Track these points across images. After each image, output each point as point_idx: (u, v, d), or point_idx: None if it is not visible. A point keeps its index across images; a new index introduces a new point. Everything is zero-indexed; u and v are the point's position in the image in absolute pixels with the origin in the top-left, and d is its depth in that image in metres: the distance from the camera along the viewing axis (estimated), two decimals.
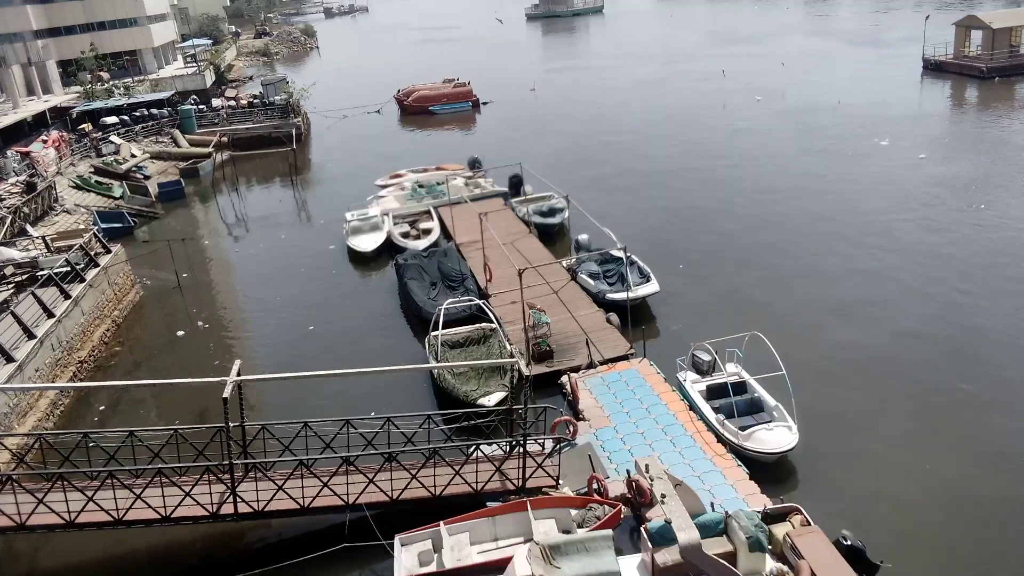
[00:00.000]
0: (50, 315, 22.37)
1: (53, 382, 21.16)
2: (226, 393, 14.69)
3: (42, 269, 24.92)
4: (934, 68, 55.68)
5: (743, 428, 16.00)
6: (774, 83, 57.75)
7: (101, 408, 21.26)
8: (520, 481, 15.19)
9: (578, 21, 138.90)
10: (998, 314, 21.68)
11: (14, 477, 15.02)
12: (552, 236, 30.56)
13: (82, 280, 24.98)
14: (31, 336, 21.01)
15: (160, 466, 14.88)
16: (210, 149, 49.21)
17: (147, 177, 43.96)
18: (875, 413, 17.73)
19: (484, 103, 61.67)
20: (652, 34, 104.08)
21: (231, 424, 14.92)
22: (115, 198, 39.76)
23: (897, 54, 64.77)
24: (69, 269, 25.03)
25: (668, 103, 55.67)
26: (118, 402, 21.40)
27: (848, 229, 28.70)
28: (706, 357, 18.34)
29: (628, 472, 14.84)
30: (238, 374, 15.34)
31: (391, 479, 14.83)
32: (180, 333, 25.45)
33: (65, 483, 14.72)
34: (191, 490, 14.36)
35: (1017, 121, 41.62)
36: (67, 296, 23.68)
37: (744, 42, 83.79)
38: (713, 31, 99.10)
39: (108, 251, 27.86)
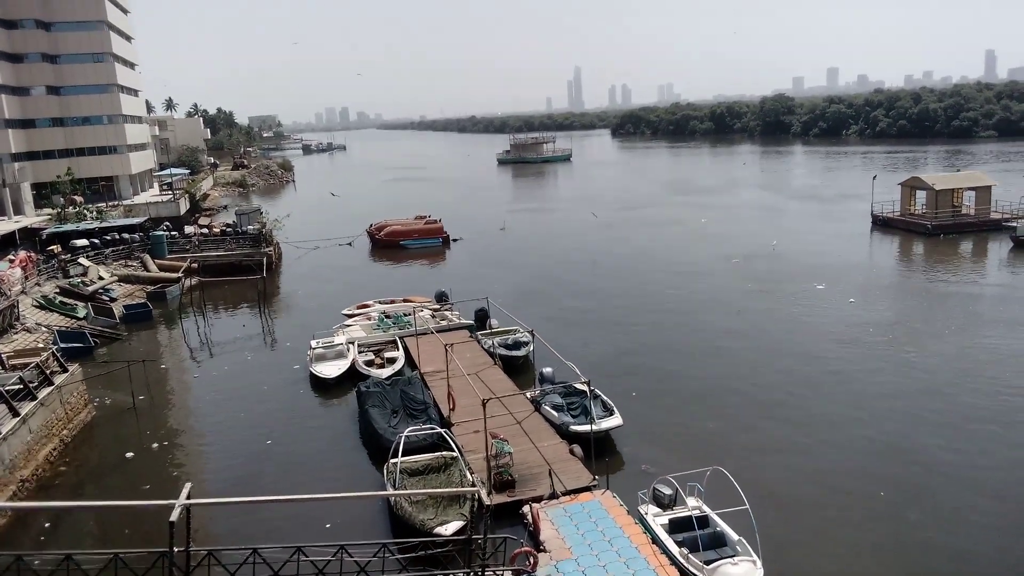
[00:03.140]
0: None
1: None
2: (173, 517, 14.11)
3: None
4: (883, 224, 58.77)
5: (707, 562, 15.71)
6: (733, 232, 60.45)
7: (44, 527, 20.18)
8: None
9: (547, 167, 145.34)
10: (926, 441, 22.57)
11: None
12: (517, 368, 30.71)
13: (33, 398, 24.32)
14: None
15: None
16: (179, 275, 49.39)
17: (113, 299, 43.80)
18: (835, 545, 17.67)
19: (454, 240, 63.26)
20: (615, 182, 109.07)
21: (176, 549, 14.28)
22: (78, 318, 39.38)
23: (846, 209, 68.55)
24: (21, 387, 24.41)
25: (626, 245, 57.90)
26: (58, 524, 20.36)
27: (786, 360, 30.23)
28: (667, 491, 18.21)
29: None
30: (188, 497, 14.84)
31: None
32: (129, 455, 24.61)
33: None
34: None
35: (952, 274, 43.79)
36: (15, 414, 22.95)
37: (700, 193, 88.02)
38: (672, 181, 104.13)
39: (65, 370, 27.30)
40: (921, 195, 57.69)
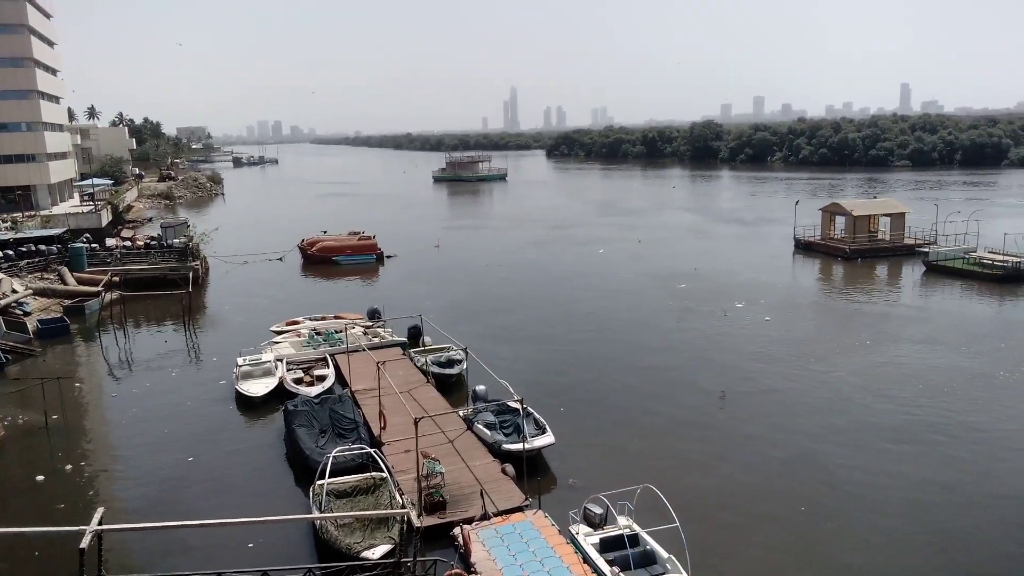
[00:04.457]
0: None
1: None
2: (84, 543, 13.52)
3: None
4: (805, 247, 60.81)
5: None
6: (661, 252, 61.73)
7: None
8: None
9: (482, 186, 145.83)
10: (835, 457, 23.26)
11: None
12: (450, 386, 30.51)
13: None
14: None
15: None
16: (99, 289, 47.54)
17: (27, 313, 41.81)
18: (762, 561, 18.01)
19: (388, 256, 62.74)
20: (547, 201, 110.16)
21: None
22: None
23: (770, 232, 70.80)
24: None
25: (556, 262, 58.73)
26: None
27: (707, 376, 31.25)
28: (598, 510, 18.28)
29: None
30: (100, 523, 14.20)
31: None
32: (40, 477, 23.39)
33: None
34: None
35: (867, 295, 45.49)
36: None
37: (632, 214, 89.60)
38: (605, 202, 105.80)
39: None
40: (840, 220, 59.96)
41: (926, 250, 53.23)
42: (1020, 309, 41.26)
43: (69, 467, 24.21)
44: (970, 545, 18.57)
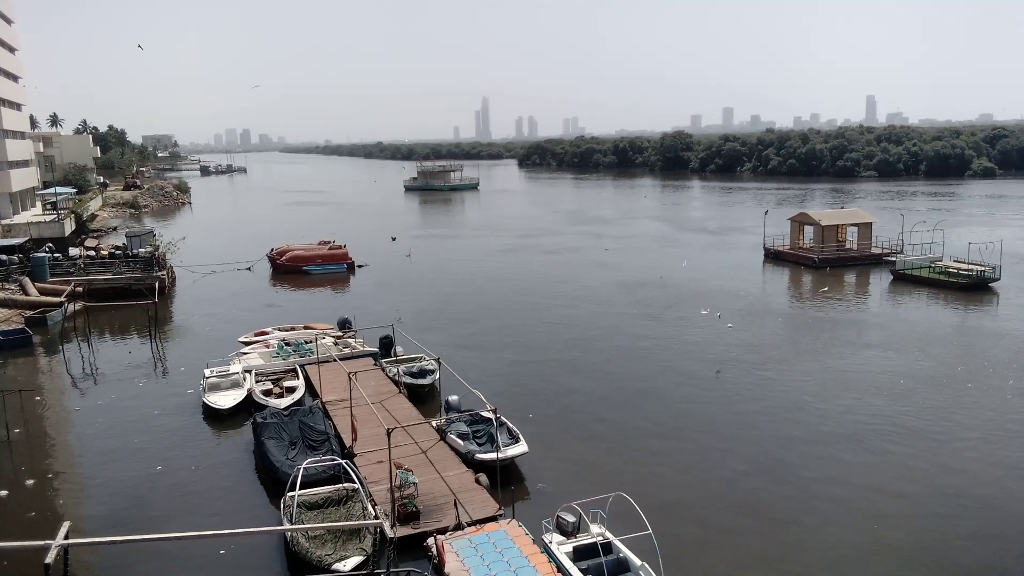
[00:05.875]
0: None
1: None
2: (49, 558, 13.17)
3: None
4: (774, 256, 61.52)
5: None
6: (630, 261, 62.10)
7: None
8: None
9: (454, 195, 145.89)
10: (797, 459, 23.44)
11: None
12: (422, 396, 30.34)
13: None
14: None
15: None
16: (62, 299, 46.62)
17: None
18: (736, 567, 18.03)
19: (360, 266, 62.37)
20: (519, 211, 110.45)
21: None
22: None
23: (740, 241, 71.60)
24: None
25: (526, 271, 59.05)
26: None
27: (671, 380, 31.79)
28: (571, 518, 18.23)
29: None
30: (66, 537, 13.84)
31: None
32: (3, 493, 22.78)
33: None
34: None
35: (832, 303, 46.06)
36: None
37: (602, 223, 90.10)
38: (575, 211, 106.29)
39: None
40: (809, 230, 60.77)
41: (893, 259, 54.07)
42: (984, 317, 42.07)
43: (32, 481, 23.66)
44: (929, 553, 18.73)
